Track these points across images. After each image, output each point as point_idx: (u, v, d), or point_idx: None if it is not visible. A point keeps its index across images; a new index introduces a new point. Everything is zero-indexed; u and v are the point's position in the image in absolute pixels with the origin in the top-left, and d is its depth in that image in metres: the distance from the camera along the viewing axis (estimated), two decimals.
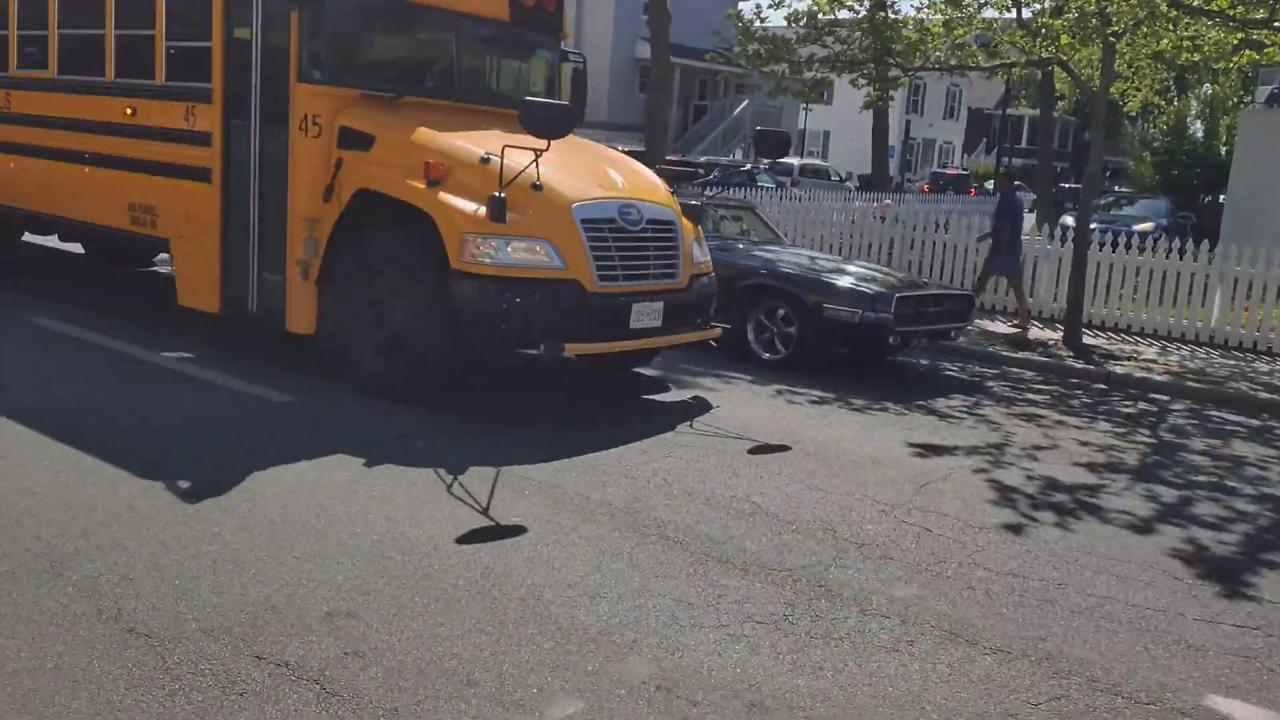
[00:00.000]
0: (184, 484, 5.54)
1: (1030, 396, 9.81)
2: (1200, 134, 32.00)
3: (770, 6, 15.41)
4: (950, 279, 14.57)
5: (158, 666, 3.75)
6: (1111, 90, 26.97)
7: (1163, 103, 32.53)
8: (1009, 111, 51.58)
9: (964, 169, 57.31)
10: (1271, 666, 4.49)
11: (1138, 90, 28.52)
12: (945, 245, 14.79)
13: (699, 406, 8.19)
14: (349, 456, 6.22)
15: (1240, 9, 11.97)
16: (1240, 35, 12.63)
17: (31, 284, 10.89)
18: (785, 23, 14.97)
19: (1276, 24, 12.09)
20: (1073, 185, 48.51)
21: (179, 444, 6.20)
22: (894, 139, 45.60)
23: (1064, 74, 15.86)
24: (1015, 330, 12.69)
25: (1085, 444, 8.08)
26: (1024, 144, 60.86)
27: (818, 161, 40.57)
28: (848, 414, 8.41)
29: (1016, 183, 14.30)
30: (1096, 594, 5.11)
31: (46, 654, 3.79)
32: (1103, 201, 29.19)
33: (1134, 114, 34.17)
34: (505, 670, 3.92)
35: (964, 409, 8.96)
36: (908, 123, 47.29)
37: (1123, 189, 39.34)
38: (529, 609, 4.45)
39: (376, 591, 4.49)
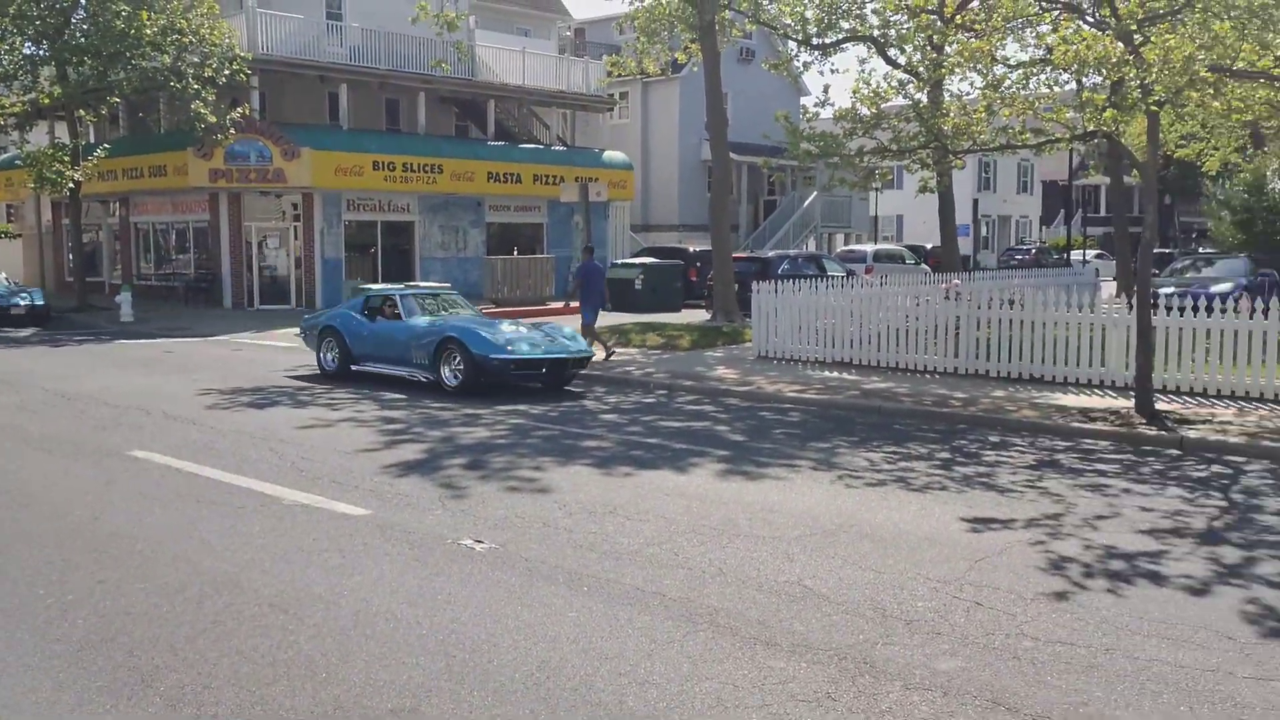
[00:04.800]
0: (265, 597, 5.92)
1: (1099, 467, 9.79)
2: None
3: (818, 105, 15.88)
4: (1024, 354, 14.56)
5: None
6: (1188, 151, 26.90)
7: (1241, 160, 32.20)
8: (1082, 182, 51.19)
9: (1042, 242, 56.85)
10: None
11: (1215, 149, 28.33)
12: (1020, 323, 14.78)
13: (752, 494, 8.39)
14: (420, 564, 6.56)
15: None
16: None
17: None
18: (834, 118, 15.42)
19: None
20: (1159, 250, 47.78)
21: (261, 560, 6.61)
22: (965, 217, 45.58)
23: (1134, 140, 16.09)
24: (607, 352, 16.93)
25: (1149, 510, 8.07)
26: (1101, 212, 60.25)
27: (892, 246, 40.69)
28: (906, 494, 8.52)
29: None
30: (1144, 657, 5.15)
31: None
32: (1182, 264, 28.81)
33: (1214, 174, 33.83)
34: None
35: (1027, 483, 9.00)
36: (975, 201, 47.19)
37: (1206, 249, 38.69)
38: (580, 697, 4.68)
39: (438, 689, 4.77)
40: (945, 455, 10.21)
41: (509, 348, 13.61)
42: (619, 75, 26.36)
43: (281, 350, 19.36)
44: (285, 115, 29.72)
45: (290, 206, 29.10)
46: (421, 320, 14.64)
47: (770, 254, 28.23)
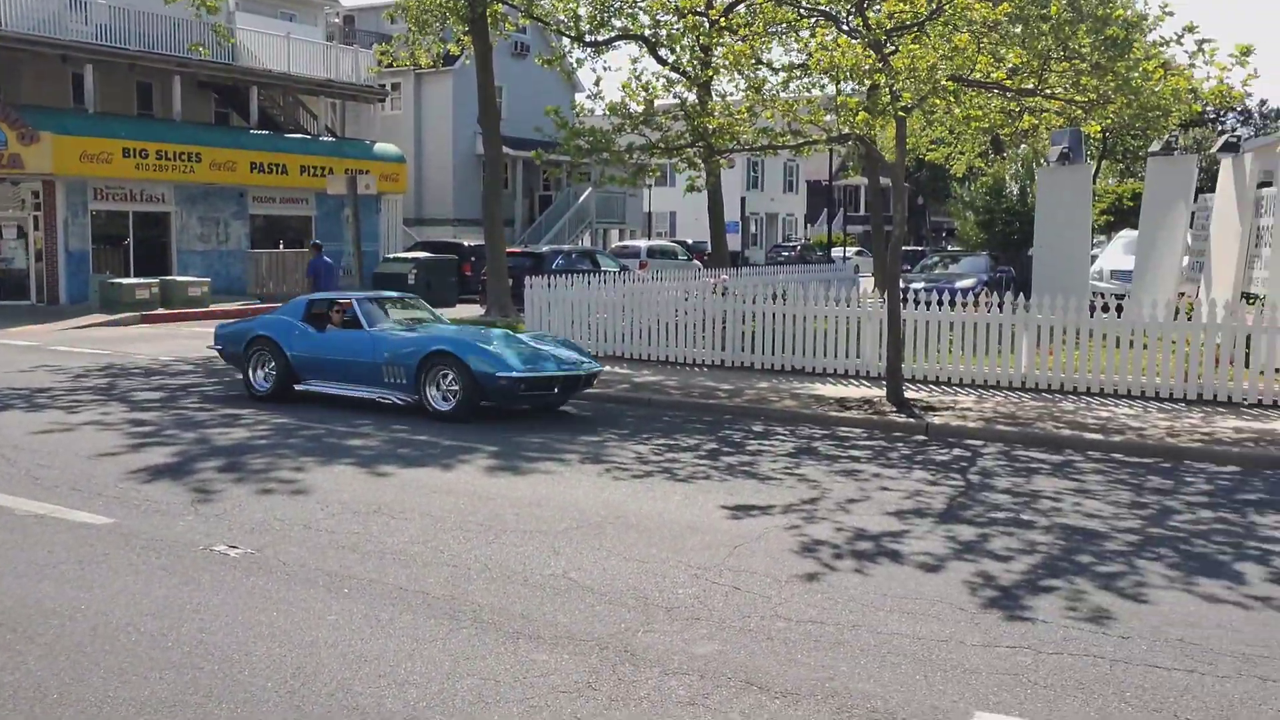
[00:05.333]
0: None
1: (853, 453, 10.30)
2: (1016, 193, 33.98)
3: (589, 99, 16.04)
4: (785, 347, 15.16)
5: None
6: (937, 155, 28.68)
7: (984, 165, 34.54)
8: (843, 183, 53.74)
9: (806, 239, 59.41)
10: (1036, 680, 4.88)
11: (961, 154, 30.28)
12: (782, 316, 15.35)
13: (520, 489, 8.40)
14: (167, 573, 6.22)
15: (1013, 81, 13.01)
16: (1016, 104, 13.69)
17: None
18: (605, 113, 15.62)
19: (1046, 92, 13.17)
20: (909, 249, 50.76)
21: None
22: (734, 215, 47.07)
23: (887, 143, 16.99)
24: None
25: (895, 492, 8.56)
26: (861, 211, 63.50)
27: (665, 242, 41.57)
28: (672, 484, 8.72)
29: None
30: (886, 631, 5.46)
31: None
32: (931, 261, 30.71)
33: (960, 176, 36.21)
34: None
35: (786, 470, 9.37)
36: (743, 199, 48.88)
37: (953, 247, 41.33)
38: (337, 702, 4.56)
39: (184, 703, 4.53)
40: (711, 446, 10.51)
41: (518, 364, 11.42)
42: (390, 66, 25.78)
43: (20, 349, 17.94)
44: (24, 97, 27.55)
45: (30, 195, 27.02)
46: (392, 330, 12.31)
47: (545, 249, 28.32)
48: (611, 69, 62.01)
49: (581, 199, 42.17)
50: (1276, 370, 12.50)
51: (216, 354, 13.88)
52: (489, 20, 21.72)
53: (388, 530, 7.20)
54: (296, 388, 12.57)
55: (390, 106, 39.34)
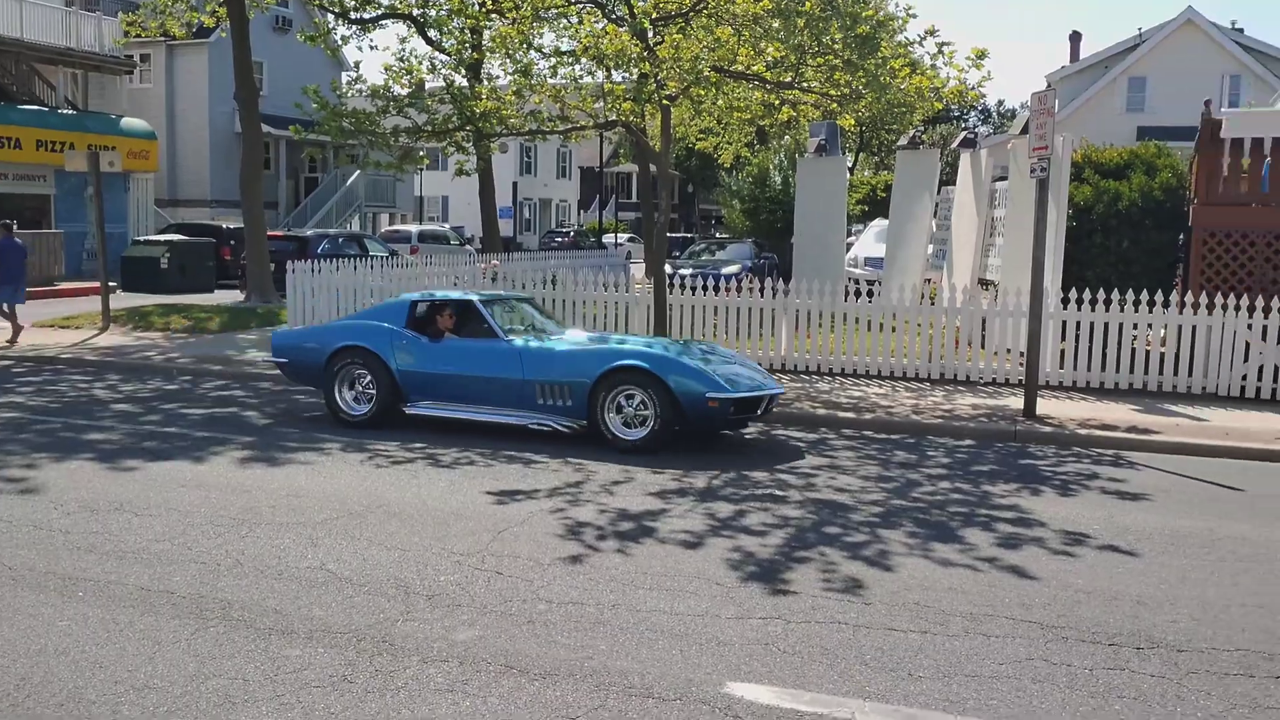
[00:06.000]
0: None
1: None
2: (779, 182, 35.31)
3: (351, 81, 15.59)
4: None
5: None
6: (706, 144, 29.39)
7: (749, 155, 35.67)
8: (616, 169, 54.32)
9: (580, 225, 59.82)
10: (785, 649, 5.09)
11: (728, 144, 31.19)
12: (553, 301, 15.38)
13: (278, 479, 8.10)
14: None
15: (772, 73, 13.48)
16: (775, 97, 14.19)
17: None
18: (369, 95, 15.19)
19: (803, 85, 13.71)
20: (680, 235, 51.95)
21: None
22: (507, 200, 46.89)
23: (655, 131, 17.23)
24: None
25: (659, 473, 8.73)
26: (633, 198, 64.46)
27: (437, 227, 40.93)
28: (437, 471, 8.61)
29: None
30: (645, 609, 5.57)
31: None
32: (699, 248, 31.50)
33: (727, 166, 37.32)
34: None
35: (552, 454, 9.41)
36: (515, 185, 48.75)
37: (721, 235, 42.56)
38: (67, 712, 4.26)
39: None
40: (478, 430, 10.41)
41: (725, 383, 9.57)
42: (139, 36, 24.21)
43: None
44: None
45: None
46: (541, 340, 10.25)
47: (310, 233, 27.34)
48: (379, 48, 60.36)
49: (349, 182, 40.97)
50: (1008, 351, 13.49)
51: (276, 368, 11.53)
52: None
53: (129, 529, 6.78)
54: (407, 411, 10.36)
55: (140, 79, 36.99)
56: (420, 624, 5.28)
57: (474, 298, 10.72)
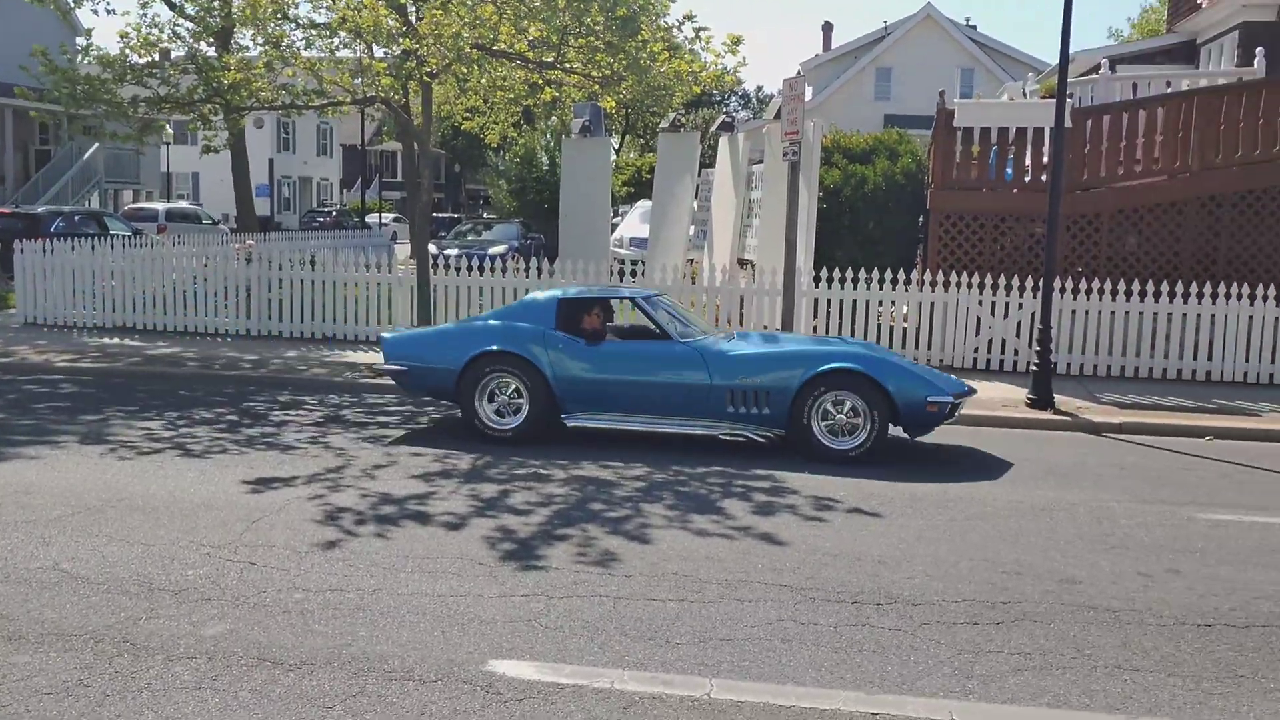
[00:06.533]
0: None
1: (381, 419, 10.23)
2: (546, 163, 35.33)
3: (84, 47, 14.54)
4: (316, 314, 14.74)
5: None
6: (473, 124, 29.07)
7: (516, 135, 35.50)
8: (379, 148, 52.91)
9: (343, 205, 58.05)
10: (547, 625, 5.14)
11: (495, 124, 30.92)
12: (312, 283, 14.87)
13: (4, 475, 7.52)
14: None
15: (534, 53, 13.45)
16: (539, 76, 14.18)
17: None
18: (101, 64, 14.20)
19: (564, 66, 13.75)
20: (446, 216, 51.25)
21: None
22: (263, 178, 44.95)
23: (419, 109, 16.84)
24: None
25: (421, 455, 8.62)
26: (398, 178, 63.06)
27: (187, 205, 38.77)
28: (186, 461, 8.20)
29: None
30: (406, 592, 5.49)
31: None
32: (465, 228, 31.20)
33: (494, 146, 37.04)
34: None
35: (311, 439, 9.13)
36: (271, 161, 46.80)
37: (488, 215, 42.25)
38: None
39: None
40: (232, 418, 9.99)
41: (942, 383, 9.09)
42: None
43: None
44: None
45: None
46: (720, 342, 9.33)
47: (41, 210, 25.34)
48: (116, 12, 56.33)
49: (87, 156, 38.13)
50: (764, 327, 14.03)
51: (386, 376, 10.14)
52: None
53: None
54: (568, 423, 9.27)
55: None
56: (166, 621, 5.02)
57: (633, 294, 9.80)
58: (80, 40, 17.85)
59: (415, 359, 9.66)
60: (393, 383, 10.22)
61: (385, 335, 10.21)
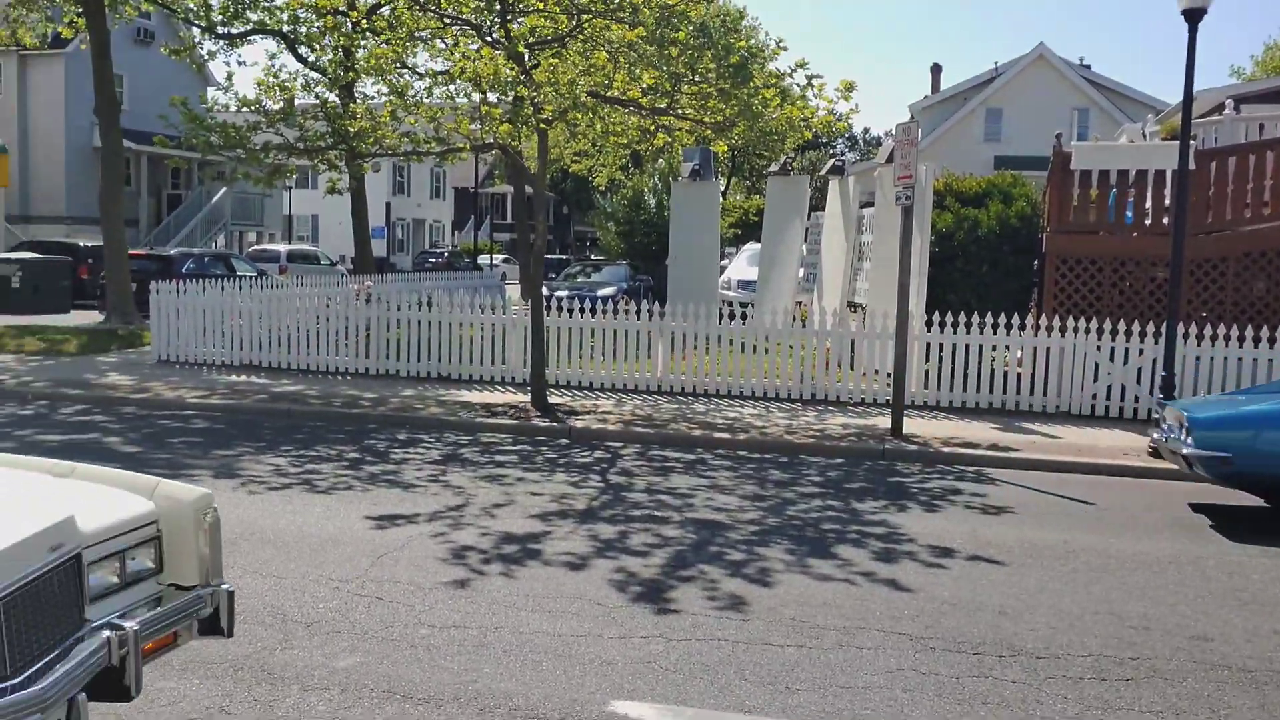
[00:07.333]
0: None
1: (498, 458, 10.44)
2: (653, 205, 35.69)
3: (221, 92, 15.30)
4: (432, 354, 15.11)
5: None
6: (581, 166, 29.62)
7: (624, 177, 35.98)
8: (490, 190, 54.06)
9: (454, 246, 59.38)
10: (667, 666, 5.19)
11: (603, 167, 31.42)
12: (428, 323, 15.25)
13: None
14: None
15: (648, 99, 13.69)
16: (651, 122, 14.41)
17: None
18: (238, 108, 14.90)
19: (677, 112, 13.96)
20: (554, 257, 52.04)
21: None
22: (380, 220, 46.28)
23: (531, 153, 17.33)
24: None
25: (539, 495, 8.77)
26: (508, 219, 64.30)
27: (307, 246, 40.12)
28: (312, 496, 8.47)
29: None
30: (528, 631, 5.60)
31: None
32: (574, 270, 31.63)
33: (602, 188, 37.56)
34: None
35: (431, 477, 9.35)
36: (388, 204, 48.17)
37: (596, 257, 42.76)
38: None
39: None
40: (354, 455, 10.29)
41: None
42: None
43: None
44: None
45: None
46: None
47: (174, 252, 26.52)
48: (247, 64, 59.04)
49: (215, 199, 39.84)
50: (876, 372, 13.93)
51: (1197, 467, 8.48)
52: (106, 3, 20.10)
53: None
54: None
55: None
56: (300, 652, 5.21)
57: None
58: (211, 90, 18.89)
59: (1255, 444, 8.17)
60: (500, 421, 10.41)
61: (1193, 414, 8.56)
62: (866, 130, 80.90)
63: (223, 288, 16.34)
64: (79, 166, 36.79)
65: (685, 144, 17.49)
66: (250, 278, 19.73)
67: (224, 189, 38.90)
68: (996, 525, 8.24)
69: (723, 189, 43.06)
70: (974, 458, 10.90)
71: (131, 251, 23.02)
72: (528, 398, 13.31)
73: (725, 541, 7.50)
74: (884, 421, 12.31)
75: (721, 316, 14.58)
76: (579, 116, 14.13)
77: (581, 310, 14.78)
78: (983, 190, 16.14)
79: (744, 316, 14.63)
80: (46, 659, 3.25)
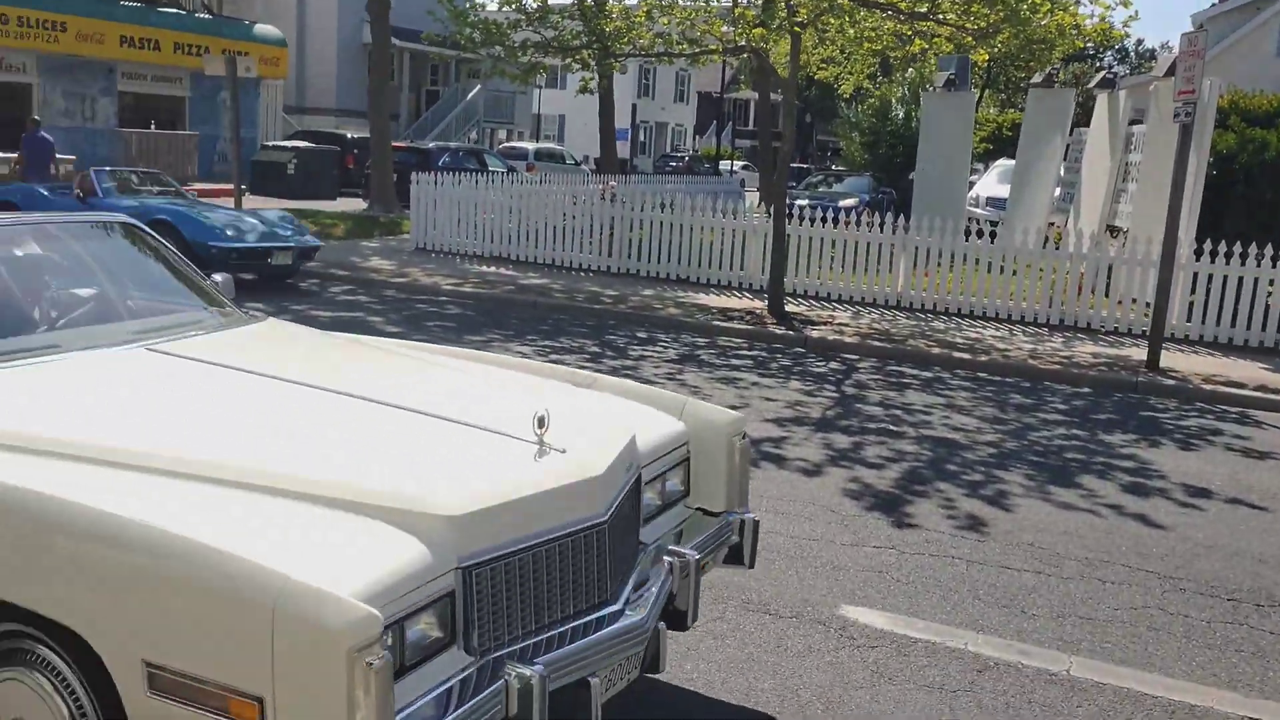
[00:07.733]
0: None
1: (734, 362, 10.55)
2: (901, 116, 34.52)
3: None
4: (672, 257, 15.32)
5: None
6: (827, 74, 28.97)
7: (871, 87, 34.93)
8: (734, 96, 53.57)
9: (695, 151, 59.40)
10: (898, 578, 5.19)
11: (850, 75, 30.64)
12: (670, 225, 15.45)
13: None
14: None
15: (907, 3, 13.17)
16: (909, 28, 13.87)
17: None
18: (498, 6, 15.29)
19: (939, 17, 13.38)
20: (796, 166, 51.30)
21: None
22: (625, 122, 46.75)
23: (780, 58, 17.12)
24: None
25: (774, 401, 8.83)
26: (750, 125, 63.70)
27: (554, 145, 41.08)
28: None
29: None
30: (763, 531, 5.69)
31: None
32: (815, 179, 31.14)
33: (847, 97, 36.58)
34: None
35: (668, 375, 9.56)
36: (634, 106, 48.55)
37: (837, 167, 41.89)
38: None
39: None
40: (594, 349, 10.63)
41: None
42: None
43: None
44: None
45: None
46: None
47: (431, 145, 27.77)
48: None
49: (469, 96, 41.26)
50: (1133, 300, 13.16)
51: None
52: None
53: None
54: None
55: None
56: None
57: None
58: None
59: None
60: (736, 326, 10.51)
61: None
62: (1140, 42, 75.00)
63: (476, 182, 17.02)
64: (349, 61, 38.78)
65: (943, 52, 16.77)
66: (501, 173, 20.44)
67: (478, 86, 40.20)
68: (1261, 470, 7.73)
69: (976, 101, 41.13)
70: (1239, 398, 10.19)
71: (393, 144, 24.25)
72: (764, 304, 13.32)
73: (962, 461, 7.37)
74: (1139, 353, 11.65)
75: (968, 233, 14.07)
76: (833, 20, 13.77)
77: (823, 220, 14.58)
78: (1274, 110, 14.78)
79: (992, 235, 14.07)
80: (626, 585, 3.10)
